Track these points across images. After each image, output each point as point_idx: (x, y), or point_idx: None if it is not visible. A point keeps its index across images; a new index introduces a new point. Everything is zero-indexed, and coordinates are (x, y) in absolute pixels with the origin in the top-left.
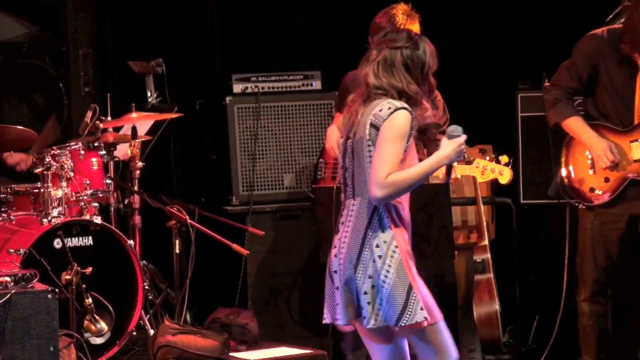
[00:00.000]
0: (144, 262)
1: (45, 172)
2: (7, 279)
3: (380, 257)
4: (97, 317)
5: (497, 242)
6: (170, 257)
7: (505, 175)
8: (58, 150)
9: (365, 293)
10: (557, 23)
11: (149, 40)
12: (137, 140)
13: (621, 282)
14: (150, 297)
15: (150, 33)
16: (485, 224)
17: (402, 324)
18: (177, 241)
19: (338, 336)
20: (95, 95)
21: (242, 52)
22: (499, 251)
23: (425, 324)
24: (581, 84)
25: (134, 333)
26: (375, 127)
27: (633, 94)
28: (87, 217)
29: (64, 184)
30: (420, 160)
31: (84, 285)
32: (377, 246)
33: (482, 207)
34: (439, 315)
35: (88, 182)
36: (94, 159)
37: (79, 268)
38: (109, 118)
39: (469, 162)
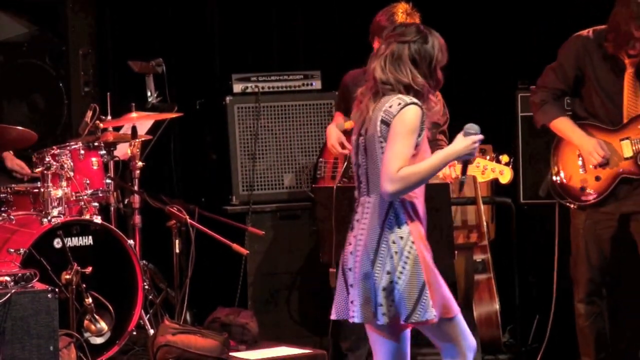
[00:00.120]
0: (144, 261)
1: (45, 171)
2: (7, 278)
3: (397, 252)
4: (97, 316)
5: (497, 242)
6: (170, 257)
7: (505, 175)
8: (58, 150)
9: (384, 289)
10: (558, 23)
11: (149, 40)
12: (137, 140)
13: (616, 280)
14: (150, 296)
15: (150, 33)
16: (485, 224)
17: (412, 321)
18: (177, 241)
19: (338, 336)
20: (95, 95)
21: (242, 52)
22: (499, 251)
23: (435, 320)
24: (568, 85)
25: (134, 333)
26: (386, 124)
27: (621, 92)
28: (87, 216)
29: (64, 183)
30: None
31: (84, 285)
32: (394, 242)
33: (482, 207)
34: (456, 309)
35: (88, 181)
36: (94, 159)
37: (78, 268)
38: (109, 118)
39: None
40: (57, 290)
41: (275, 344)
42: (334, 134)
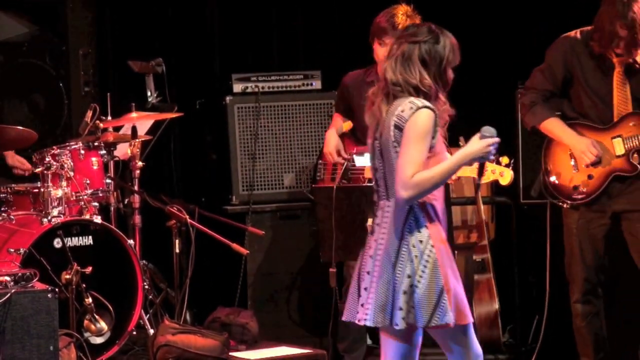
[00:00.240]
0: (144, 261)
1: (45, 171)
2: (7, 278)
3: (417, 256)
4: (97, 316)
5: (497, 242)
6: (170, 257)
7: (505, 177)
8: (58, 150)
9: (404, 292)
10: (558, 24)
11: (149, 40)
12: (137, 140)
13: (611, 279)
14: (150, 296)
15: (150, 33)
16: (485, 223)
17: (432, 325)
18: (177, 241)
19: (336, 337)
20: (95, 95)
21: (242, 52)
22: (498, 251)
23: (452, 325)
24: (557, 86)
25: (134, 333)
26: (399, 129)
27: (610, 92)
28: (87, 216)
29: (64, 183)
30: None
31: (84, 285)
32: (414, 246)
33: (482, 206)
34: (469, 317)
35: (88, 181)
36: (94, 159)
37: (78, 268)
38: (109, 118)
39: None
40: (57, 290)
41: (275, 344)
42: (332, 141)
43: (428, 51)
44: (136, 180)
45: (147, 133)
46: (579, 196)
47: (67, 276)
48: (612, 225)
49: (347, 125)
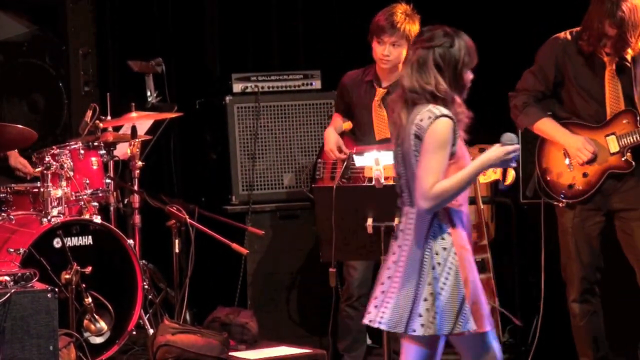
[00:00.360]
0: (144, 261)
1: (45, 171)
2: (7, 278)
3: (439, 264)
4: (96, 316)
5: (497, 241)
6: (170, 257)
7: (507, 177)
8: (58, 150)
9: (425, 299)
10: (558, 24)
11: (149, 40)
12: (137, 140)
13: (609, 277)
14: (150, 296)
15: (150, 33)
16: (485, 223)
17: (455, 332)
18: (176, 241)
19: (336, 337)
20: (95, 95)
21: (242, 52)
22: (498, 251)
23: (473, 331)
24: (548, 87)
25: (134, 332)
26: (419, 138)
27: (603, 90)
28: (87, 216)
29: (64, 183)
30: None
31: (84, 285)
32: (437, 253)
33: (482, 206)
34: (488, 325)
35: (88, 181)
36: (93, 159)
37: (78, 267)
38: (109, 117)
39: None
40: (56, 290)
41: (275, 343)
42: (332, 138)
43: (442, 55)
44: (136, 180)
45: (147, 133)
46: (575, 194)
47: (67, 276)
48: (606, 223)
49: (347, 125)
